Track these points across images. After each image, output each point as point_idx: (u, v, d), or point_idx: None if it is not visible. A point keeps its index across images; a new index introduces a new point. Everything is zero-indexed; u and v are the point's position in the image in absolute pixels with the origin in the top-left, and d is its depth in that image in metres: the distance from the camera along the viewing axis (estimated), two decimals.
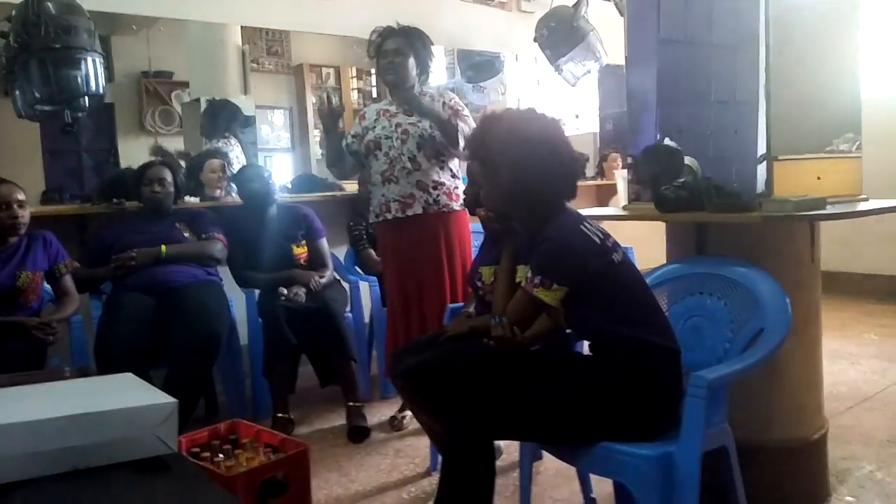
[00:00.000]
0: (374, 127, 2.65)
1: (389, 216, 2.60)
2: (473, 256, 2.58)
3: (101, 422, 1.24)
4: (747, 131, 2.44)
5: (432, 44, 2.71)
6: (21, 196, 2.42)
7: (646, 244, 2.69)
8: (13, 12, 2.69)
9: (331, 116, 2.65)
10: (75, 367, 2.11)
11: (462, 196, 2.59)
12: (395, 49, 2.60)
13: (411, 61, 2.62)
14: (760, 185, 2.36)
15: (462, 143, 2.51)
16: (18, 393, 1.43)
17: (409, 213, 2.57)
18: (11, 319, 2.33)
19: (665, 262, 2.03)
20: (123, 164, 5.54)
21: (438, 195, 2.59)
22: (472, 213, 2.30)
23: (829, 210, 1.79)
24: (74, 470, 1.22)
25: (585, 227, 1.59)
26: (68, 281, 2.56)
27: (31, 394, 1.43)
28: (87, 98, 2.86)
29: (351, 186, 3.75)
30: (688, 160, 2.12)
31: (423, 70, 2.68)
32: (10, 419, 1.19)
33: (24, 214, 2.42)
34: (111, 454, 1.24)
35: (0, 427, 1.17)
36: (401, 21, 2.68)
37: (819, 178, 2.13)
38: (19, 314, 2.39)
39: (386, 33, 2.65)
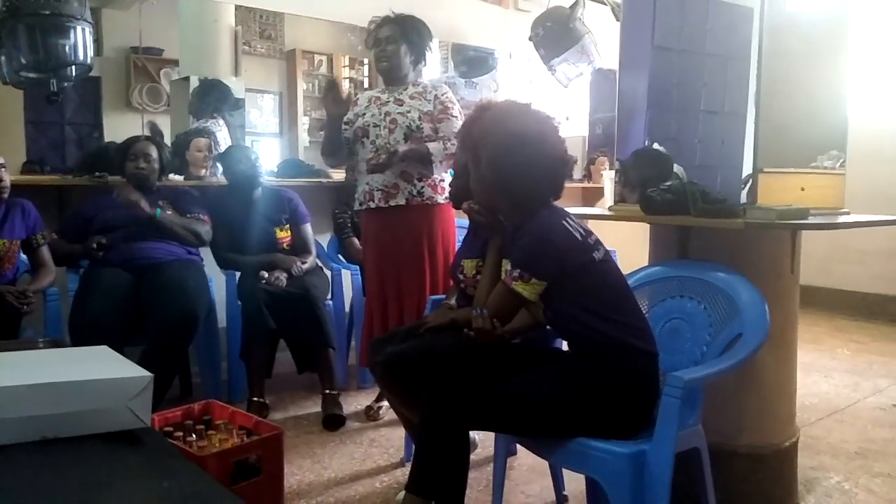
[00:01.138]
0: (365, 114, 2.63)
1: (373, 205, 2.59)
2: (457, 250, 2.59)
3: (74, 392, 1.22)
4: (734, 142, 2.47)
5: (430, 32, 2.70)
6: (1, 160, 2.38)
7: (629, 248, 2.71)
8: None
9: (335, 104, 2.59)
10: (49, 338, 2.08)
11: (448, 189, 2.59)
12: (387, 37, 2.61)
13: (403, 49, 2.61)
14: (744, 196, 2.38)
15: (439, 158, 2.52)
16: None
17: (392, 203, 2.56)
18: None
19: (647, 265, 2.04)
20: (108, 139, 5.47)
21: (423, 187, 2.58)
22: (457, 207, 2.30)
23: (812, 220, 1.81)
24: (44, 439, 1.20)
25: (567, 223, 1.59)
26: (45, 252, 2.52)
27: (4, 361, 1.40)
28: (74, 68, 2.82)
29: (338, 174, 3.73)
30: (675, 167, 2.14)
31: (419, 58, 2.67)
32: None
33: (7, 179, 2.38)
34: (82, 425, 1.22)
35: None
36: (396, 11, 2.67)
37: (803, 189, 2.16)
38: None
39: (381, 22, 2.65)
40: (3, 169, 2.37)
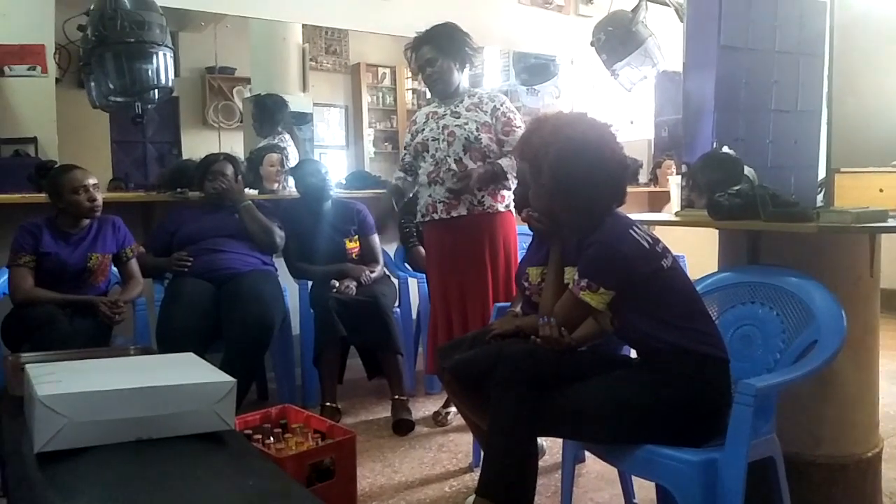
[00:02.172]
0: (423, 129, 2.70)
1: (436, 216, 2.65)
2: (519, 257, 2.61)
3: (165, 395, 1.32)
4: (808, 141, 2.39)
5: (461, 30, 2.69)
6: (94, 180, 2.55)
7: (698, 252, 2.66)
8: (91, 7, 2.84)
9: None
10: (139, 346, 2.22)
11: (511, 197, 2.62)
12: (427, 59, 2.65)
13: (447, 64, 2.65)
14: (820, 197, 2.31)
15: (512, 172, 2.57)
16: (89, 366, 1.52)
17: (455, 213, 2.62)
18: (82, 298, 2.47)
19: (716, 271, 2.01)
20: (185, 156, 5.75)
21: (483, 196, 2.62)
22: (520, 213, 2.33)
23: (892, 223, 1.75)
24: (138, 440, 1.29)
25: (634, 231, 1.59)
26: (134, 265, 2.69)
27: (101, 367, 1.52)
28: (156, 91, 2.98)
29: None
30: (745, 169, 2.10)
31: (463, 62, 2.69)
32: (83, 388, 1.28)
33: (100, 198, 2.55)
34: (173, 427, 1.31)
35: (73, 395, 1.25)
36: (459, 23, 2.72)
37: (882, 191, 2.08)
38: (88, 294, 2.53)
39: (414, 46, 2.70)
40: (96, 189, 2.54)
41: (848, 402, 1.91)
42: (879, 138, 2.34)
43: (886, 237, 1.95)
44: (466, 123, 2.62)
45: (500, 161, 2.59)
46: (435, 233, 2.72)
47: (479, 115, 2.63)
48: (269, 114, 4.36)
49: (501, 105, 2.67)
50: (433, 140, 2.65)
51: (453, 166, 2.59)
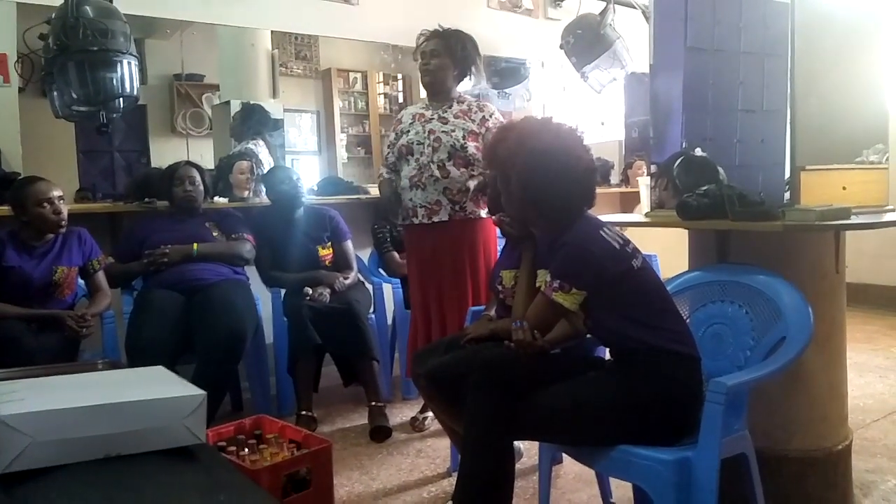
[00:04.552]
0: (409, 131, 2.69)
1: (416, 221, 2.64)
2: None
3: (133, 411, 1.29)
4: (774, 140, 2.43)
5: (476, 47, 2.72)
6: (59, 192, 2.50)
7: (671, 251, 2.69)
8: (53, 15, 2.78)
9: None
10: (107, 360, 2.17)
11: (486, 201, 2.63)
12: (431, 51, 2.65)
13: (447, 63, 2.65)
14: (788, 195, 2.34)
15: None
16: (54, 382, 1.48)
17: (436, 219, 2.61)
18: (48, 312, 2.42)
19: (687, 270, 2.03)
20: (154, 164, 5.66)
21: (465, 202, 2.62)
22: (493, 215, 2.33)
23: (854, 220, 1.78)
24: (106, 457, 1.26)
25: (604, 232, 1.61)
26: (101, 277, 2.64)
27: (66, 383, 1.48)
28: (122, 100, 2.92)
29: (375, 190, 3.79)
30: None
31: (463, 73, 2.71)
32: (46, 406, 1.25)
33: (65, 211, 2.50)
34: (141, 443, 1.28)
35: (36, 414, 1.22)
36: (430, 27, 2.72)
37: (845, 189, 2.12)
38: (54, 308, 2.47)
39: (429, 36, 2.70)
40: (61, 201, 2.49)
41: (817, 396, 1.94)
42: (842, 137, 2.39)
43: (851, 233, 1.99)
44: (454, 130, 2.61)
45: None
46: (415, 237, 2.71)
47: (467, 123, 2.63)
48: (252, 122, 4.43)
49: (491, 116, 2.68)
50: (418, 144, 2.64)
51: (436, 172, 2.58)
